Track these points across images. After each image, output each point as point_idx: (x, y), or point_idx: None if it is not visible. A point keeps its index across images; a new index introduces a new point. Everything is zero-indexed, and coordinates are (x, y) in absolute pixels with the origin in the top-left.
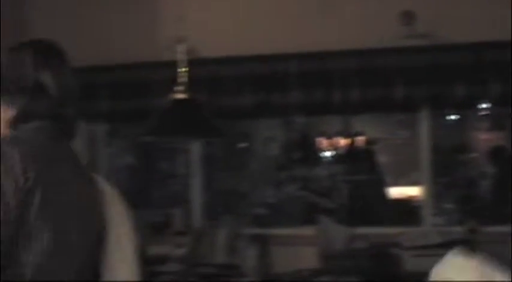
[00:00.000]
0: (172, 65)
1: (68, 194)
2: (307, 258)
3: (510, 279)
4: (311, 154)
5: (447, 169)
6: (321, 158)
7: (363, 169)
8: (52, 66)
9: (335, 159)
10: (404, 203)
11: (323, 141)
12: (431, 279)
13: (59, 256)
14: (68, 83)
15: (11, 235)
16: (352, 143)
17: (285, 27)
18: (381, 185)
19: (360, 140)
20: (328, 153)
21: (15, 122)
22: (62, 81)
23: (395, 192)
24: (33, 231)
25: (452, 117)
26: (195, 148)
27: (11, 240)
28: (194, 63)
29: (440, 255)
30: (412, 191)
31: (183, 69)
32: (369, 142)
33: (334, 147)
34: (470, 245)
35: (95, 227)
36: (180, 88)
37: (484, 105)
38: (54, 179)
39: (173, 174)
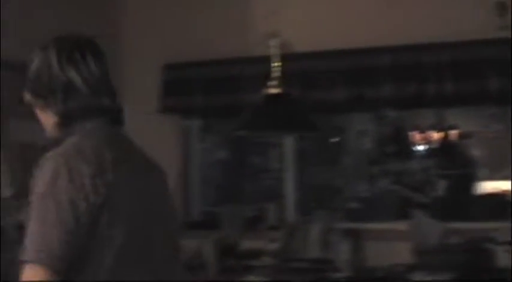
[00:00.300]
0: (266, 60)
1: (136, 197)
2: (401, 253)
3: None
4: (404, 148)
5: None
6: (414, 152)
7: (456, 163)
8: (76, 62)
9: (428, 153)
10: (499, 198)
11: (416, 135)
12: None
13: (132, 259)
14: (95, 74)
15: (83, 246)
16: (446, 136)
17: (377, 20)
18: (474, 179)
19: (453, 133)
20: (421, 147)
21: (60, 126)
22: (88, 75)
23: (489, 186)
24: (104, 241)
25: None
26: (288, 143)
27: (83, 250)
28: (287, 57)
29: None
30: (507, 186)
31: (276, 64)
32: (462, 136)
33: (427, 141)
34: None
35: (167, 220)
36: (273, 83)
37: None
38: (122, 187)
39: (266, 169)
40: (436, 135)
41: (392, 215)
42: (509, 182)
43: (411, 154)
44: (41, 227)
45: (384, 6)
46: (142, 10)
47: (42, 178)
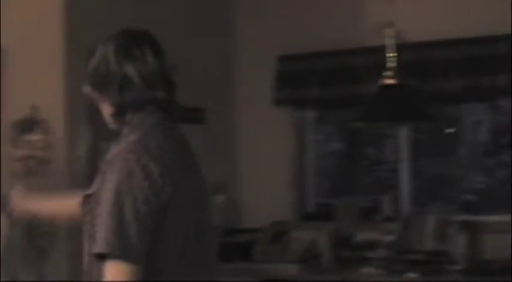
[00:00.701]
0: (381, 50)
1: (192, 195)
2: None
3: None
4: None
5: None
6: None
7: None
8: (132, 56)
9: None
10: None
11: None
12: None
13: (190, 257)
14: (152, 68)
15: (151, 243)
16: None
17: (493, 8)
18: None
19: None
20: None
21: (116, 117)
22: (144, 68)
23: None
24: (166, 238)
25: None
26: (403, 133)
27: (150, 248)
28: (403, 47)
29: None
30: None
31: (392, 54)
32: None
33: None
34: None
35: (211, 218)
36: (389, 73)
37: None
38: (183, 185)
39: (381, 160)
40: None
41: (508, 207)
42: None
43: None
44: (118, 222)
45: None
46: (256, 1)
47: (114, 174)
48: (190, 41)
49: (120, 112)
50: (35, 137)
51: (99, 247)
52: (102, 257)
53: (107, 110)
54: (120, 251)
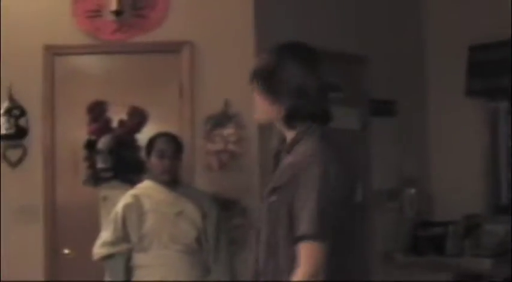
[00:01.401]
0: None
1: (350, 191)
2: None
3: None
4: None
5: None
6: None
7: None
8: (311, 70)
9: None
10: None
11: None
12: None
13: (351, 252)
14: (319, 81)
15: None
16: None
17: None
18: None
19: None
20: None
21: (285, 121)
22: (318, 83)
23: None
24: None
25: None
26: None
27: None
28: None
29: None
30: None
31: None
32: None
33: None
34: None
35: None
36: None
37: None
38: (346, 183)
39: None
40: None
41: None
42: None
43: None
44: (316, 212)
45: None
46: None
47: (304, 175)
48: (382, 34)
49: (290, 117)
50: (228, 131)
51: (306, 229)
52: (299, 240)
53: (271, 112)
54: (321, 233)
